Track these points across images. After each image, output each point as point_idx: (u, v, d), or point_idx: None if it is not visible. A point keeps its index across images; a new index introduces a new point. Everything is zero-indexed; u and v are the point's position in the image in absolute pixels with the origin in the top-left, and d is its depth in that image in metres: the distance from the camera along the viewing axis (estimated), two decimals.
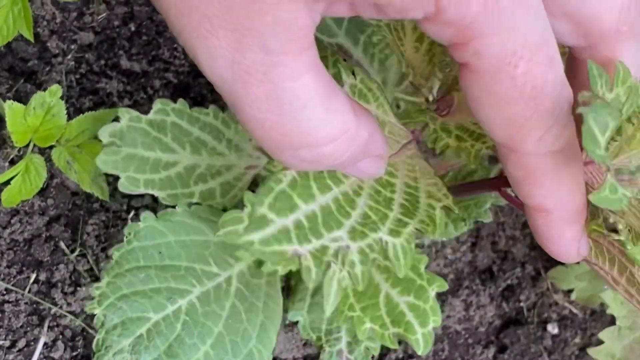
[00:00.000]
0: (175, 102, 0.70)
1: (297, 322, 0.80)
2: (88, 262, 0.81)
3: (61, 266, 0.80)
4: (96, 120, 0.74)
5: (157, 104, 0.69)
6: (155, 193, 0.68)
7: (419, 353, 0.65)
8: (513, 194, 0.56)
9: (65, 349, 0.78)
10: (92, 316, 0.68)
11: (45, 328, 0.78)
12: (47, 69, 0.83)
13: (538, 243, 0.50)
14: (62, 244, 0.80)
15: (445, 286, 0.66)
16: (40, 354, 0.78)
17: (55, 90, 0.73)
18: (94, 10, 0.85)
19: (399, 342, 0.86)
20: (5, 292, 0.78)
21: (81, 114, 0.76)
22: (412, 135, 0.56)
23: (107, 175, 0.77)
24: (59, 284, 0.79)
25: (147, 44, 0.86)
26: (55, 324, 0.79)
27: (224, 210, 0.70)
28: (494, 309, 0.91)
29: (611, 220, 0.49)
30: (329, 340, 0.79)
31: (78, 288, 0.80)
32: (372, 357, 0.81)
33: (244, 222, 0.48)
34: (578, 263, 0.89)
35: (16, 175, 0.74)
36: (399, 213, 0.51)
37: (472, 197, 0.75)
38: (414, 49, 0.51)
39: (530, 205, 0.47)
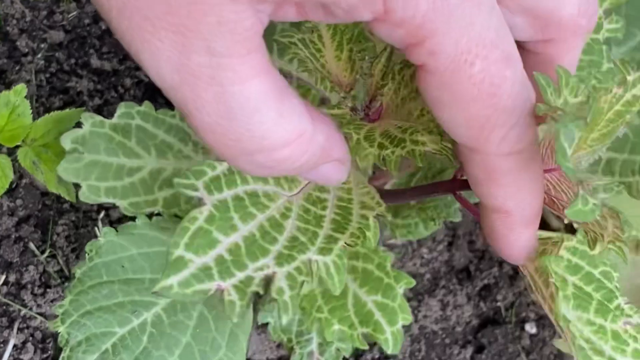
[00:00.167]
0: (142, 103, 0.69)
1: (267, 323, 0.80)
2: (58, 262, 0.80)
3: (31, 267, 0.79)
4: (62, 119, 0.73)
5: (121, 108, 0.68)
6: (117, 202, 0.67)
7: (389, 352, 0.65)
8: (467, 197, 0.56)
9: (35, 351, 0.78)
10: None
11: (15, 330, 0.78)
12: (17, 68, 0.82)
13: (490, 244, 0.50)
14: (31, 245, 0.80)
15: (412, 283, 0.66)
16: (10, 356, 0.77)
17: (20, 89, 0.72)
18: (64, 9, 0.84)
19: (374, 344, 0.86)
20: None
21: (48, 114, 0.75)
22: None
23: None
24: (29, 285, 0.79)
25: (118, 42, 0.84)
26: (25, 325, 0.78)
27: None
28: (471, 309, 0.91)
29: (575, 226, 0.49)
30: (300, 341, 0.79)
31: (48, 289, 0.79)
32: (344, 358, 0.81)
33: None
34: None
35: None
36: (329, 229, 0.50)
37: (441, 197, 0.74)
38: (335, 59, 0.50)
39: (490, 207, 0.47)
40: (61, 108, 0.80)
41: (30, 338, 0.78)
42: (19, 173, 0.79)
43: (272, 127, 0.40)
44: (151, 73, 0.39)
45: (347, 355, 0.80)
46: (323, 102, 0.63)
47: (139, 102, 0.68)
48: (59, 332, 0.65)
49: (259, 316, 0.79)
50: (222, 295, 0.46)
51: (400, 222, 0.77)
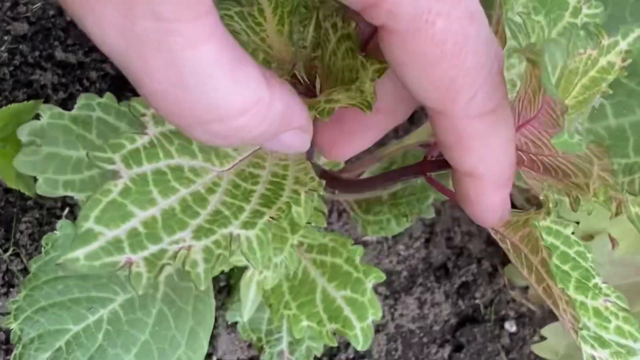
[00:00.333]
0: (103, 95, 0.67)
1: (237, 322, 0.78)
2: (22, 261, 0.78)
3: None
4: (20, 112, 0.71)
5: (82, 99, 0.66)
6: (75, 195, 0.65)
7: (358, 348, 0.64)
8: (437, 179, 0.55)
9: None
10: None
11: None
12: None
13: (463, 208, 0.48)
14: None
15: (382, 277, 0.65)
16: None
17: None
18: (28, 0, 0.82)
19: (348, 344, 0.85)
20: None
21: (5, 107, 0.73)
22: None
23: None
24: None
25: (83, 34, 0.82)
26: None
27: None
28: (449, 307, 0.89)
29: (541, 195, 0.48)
30: (270, 340, 0.77)
31: (11, 289, 0.78)
32: (316, 357, 0.79)
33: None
34: None
35: None
36: (256, 204, 0.48)
37: (414, 193, 0.73)
38: (277, 33, 0.49)
39: (461, 171, 0.45)
40: (25, 101, 0.78)
41: None
42: None
43: (227, 94, 0.39)
44: (96, 40, 0.37)
45: (318, 355, 0.78)
46: None
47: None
48: (11, 329, 0.63)
49: (228, 315, 0.78)
50: (130, 268, 0.44)
51: (372, 218, 0.76)
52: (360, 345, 0.64)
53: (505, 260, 0.91)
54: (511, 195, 0.48)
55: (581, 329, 0.46)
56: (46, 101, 0.80)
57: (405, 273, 0.88)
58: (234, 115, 0.40)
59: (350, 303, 0.64)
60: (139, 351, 0.65)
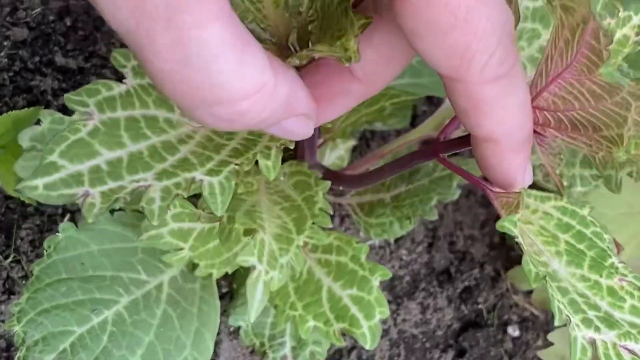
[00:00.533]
0: None
1: (240, 327, 0.78)
2: (22, 268, 0.78)
3: None
4: (21, 119, 0.71)
5: None
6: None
7: (367, 347, 0.64)
8: (451, 161, 0.55)
9: None
10: None
11: None
12: None
13: (484, 174, 0.49)
14: None
15: (388, 274, 0.65)
16: None
17: None
18: (27, 5, 0.82)
19: (352, 349, 0.84)
20: None
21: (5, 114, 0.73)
22: None
23: None
24: None
25: (83, 39, 0.83)
26: None
27: None
28: (452, 312, 0.89)
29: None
30: (273, 345, 0.77)
31: (12, 296, 0.77)
32: None
33: None
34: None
35: None
36: (226, 156, 0.49)
37: (417, 195, 0.73)
38: (274, 5, 0.49)
39: (479, 136, 0.46)
40: (25, 107, 0.78)
41: None
42: None
43: (232, 77, 0.39)
44: (108, 17, 0.37)
45: (321, 359, 0.78)
46: None
47: None
48: (15, 332, 0.63)
49: (231, 320, 0.77)
50: (85, 199, 0.45)
51: (375, 221, 0.76)
52: (368, 344, 0.64)
53: (508, 265, 0.90)
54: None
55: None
56: (46, 107, 0.79)
57: (407, 278, 0.88)
58: (237, 99, 0.40)
59: (357, 302, 0.64)
60: (145, 352, 0.65)
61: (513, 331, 0.90)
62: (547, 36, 0.63)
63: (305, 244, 0.61)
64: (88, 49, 0.82)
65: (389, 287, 0.87)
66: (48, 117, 0.64)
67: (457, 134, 0.55)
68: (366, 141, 0.88)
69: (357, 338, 0.64)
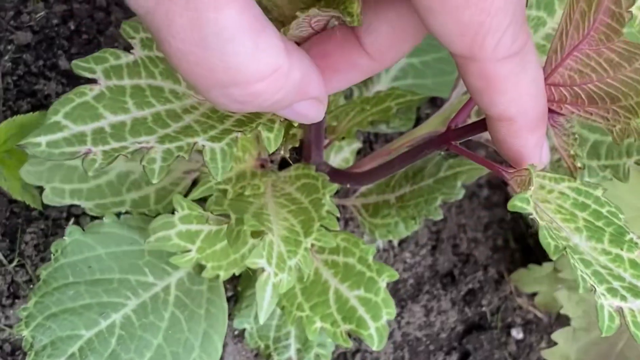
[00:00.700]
0: None
1: (244, 330, 0.78)
2: (27, 272, 0.77)
3: None
4: (26, 124, 0.71)
5: None
6: (82, 204, 0.66)
7: (374, 348, 0.64)
8: (463, 147, 0.55)
9: None
10: None
11: None
12: None
13: (501, 154, 0.49)
14: None
15: (395, 275, 0.65)
16: None
17: None
18: (31, 9, 0.82)
19: (356, 352, 0.84)
20: None
21: (10, 118, 0.73)
22: None
23: None
24: None
25: (87, 43, 0.83)
26: None
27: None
28: (455, 314, 0.88)
29: None
30: (278, 348, 0.77)
31: (17, 300, 0.77)
32: None
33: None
34: (540, 264, 0.86)
35: None
36: (230, 125, 0.50)
37: (421, 195, 0.73)
38: None
39: (493, 115, 0.46)
40: (29, 111, 0.78)
41: None
42: None
43: (247, 59, 0.40)
44: None
45: None
46: None
47: None
48: (23, 336, 0.63)
49: (236, 322, 0.77)
50: (86, 157, 0.46)
51: (380, 221, 0.76)
52: (376, 345, 0.64)
53: (512, 267, 0.90)
54: None
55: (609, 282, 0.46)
56: None
57: (411, 281, 0.88)
58: (252, 81, 0.40)
59: (364, 303, 0.64)
60: (153, 355, 0.65)
61: (517, 334, 0.89)
62: (552, 24, 0.63)
63: (312, 245, 0.61)
64: (92, 53, 0.82)
65: (393, 289, 0.87)
66: None
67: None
68: (370, 144, 0.88)
69: (364, 339, 0.64)
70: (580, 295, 0.82)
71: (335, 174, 0.68)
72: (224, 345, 0.80)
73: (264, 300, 0.56)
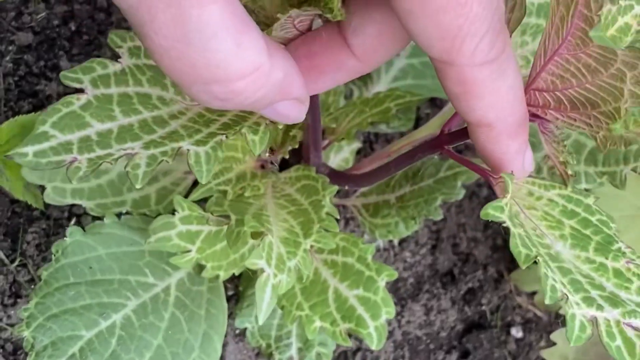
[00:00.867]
0: None
1: (246, 330, 0.78)
2: (29, 272, 0.78)
3: (0, 277, 0.77)
4: (27, 124, 0.71)
5: None
6: (83, 203, 0.66)
7: (373, 347, 0.64)
8: (456, 152, 0.55)
9: None
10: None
11: None
12: None
13: (484, 162, 0.50)
14: (1, 254, 0.77)
15: (394, 275, 0.65)
16: None
17: None
18: (32, 10, 0.82)
19: (356, 351, 0.84)
20: None
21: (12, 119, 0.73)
22: None
23: None
24: None
25: (88, 43, 0.83)
26: None
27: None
28: (455, 313, 0.89)
29: None
30: (279, 347, 0.77)
31: (19, 300, 0.77)
32: None
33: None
34: (535, 263, 0.86)
35: None
36: (215, 129, 0.50)
37: (421, 195, 0.73)
38: None
39: (472, 121, 0.47)
40: (30, 112, 0.78)
41: (1, 350, 0.76)
42: None
43: (228, 56, 0.40)
44: None
45: None
46: None
47: None
48: (24, 337, 0.63)
49: (237, 322, 0.77)
50: (71, 165, 0.47)
51: (380, 221, 0.76)
52: (375, 344, 0.64)
53: (511, 267, 0.91)
54: None
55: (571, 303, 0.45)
56: None
57: (411, 280, 0.88)
58: (232, 78, 0.41)
59: (363, 302, 0.64)
60: (153, 356, 0.65)
61: (516, 332, 0.90)
62: None
63: (312, 246, 0.61)
64: (93, 54, 0.83)
65: (393, 289, 0.87)
66: None
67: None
68: (370, 144, 0.89)
69: (363, 338, 0.64)
70: None
71: (334, 176, 0.68)
72: (226, 345, 0.80)
73: (263, 301, 0.56)
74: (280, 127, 0.51)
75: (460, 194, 0.73)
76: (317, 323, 0.65)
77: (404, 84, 0.82)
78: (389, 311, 0.64)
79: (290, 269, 0.58)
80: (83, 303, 0.64)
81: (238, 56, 0.40)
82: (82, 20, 0.83)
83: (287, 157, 0.69)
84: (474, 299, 0.89)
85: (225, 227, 0.62)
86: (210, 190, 0.64)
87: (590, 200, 0.50)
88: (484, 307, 0.90)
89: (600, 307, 0.45)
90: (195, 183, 0.70)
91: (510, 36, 0.49)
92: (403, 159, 0.61)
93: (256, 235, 0.58)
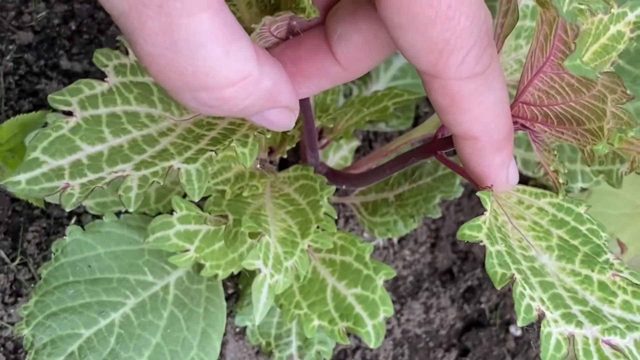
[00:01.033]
0: None
1: (246, 328, 0.78)
2: (29, 270, 0.78)
3: (1, 276, 0.77)
4: (28, 123, 0.72)
5: None
6: (83, 202, 0.65)
7: (371, 346, 0.65)
8: (449, 157, 0.55)
9: None
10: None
11: None
12: None
13: (468, 172, 0.50)
14: (1, 253, 0.78)
15: (392, 273, 0.65)
16: None
17: None
18: (33, 9, 0.83)
19: (356, 349, 0.84)
20: None
21: (13, 117, 0.73)
22: None
23: None
24: None
25: (88, 42, 0.83)
26: None
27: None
28: (455, 311, 0.89)
29: None
30: (279, 345, 0.77)
31: (19, 298, 0.77)
32: None
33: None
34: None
35: None
36: (205, 145, 0.50)
37: (420, 193, 0.73)
38: (247, 6, 0.51)
39: (458, 134, 0.47)
40: (31, 111, 0.79)
41: (2, 348, 0.76)
42: None
43: (217, 64, 0.40)
44: (103, 0, 0.40)
45: (327, 359, 0.78)
46: None
47: None
48: (24, 335, 0.63)
49: (237, 320, 0.78)
50: (64, 191, 0.47)
51: (379, 220, 0.76)
52: (373, 343, 0.64)
53: None
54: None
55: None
56: (52, 111, 0.80)
57: (411, 278, 0.88)
58: (221, 86, 0.41)
59: (361, 301, 0.65)
60: (152, 354, 0.65)
61: (515, 330, 0.90)
62: None
63: (309, 246, 0.62)
64: (93, 52, 0.83)
65: (392, 287, 0.87)
66: (54, 119, 0.65)
67: None
68: (369, 142, 0.89)
69: (361, 337, 0.64)
70: None
71: (332, 175, 0.68)
72: (226, 343, 0.80)
73: (260, 302, 0.56)
74: None
75: (459, 192, 0.73)
76: (316, 322, 0.65)
77: (403, 83, 0.82)
78: (387, 310, 0.64)
79: (287, 269, 0.58)
80: (82, 301, 0.64)
81: (226, 64, 0.41)
82: (83, 20, 0.83)
83: (285, 156, 0.69)
84: (473, 297, 0.90)
85: (224, 226, 0.62)
86: (209, 190, 0.64)
87: (581, 209, 0.50)
88: (483, 305, 0.90)
89: (579, 324, 0.45)
90: None
91: (504, 40, 0.49)
92: (397, 163, 0.61)
93: (254, 235, 0.58)
